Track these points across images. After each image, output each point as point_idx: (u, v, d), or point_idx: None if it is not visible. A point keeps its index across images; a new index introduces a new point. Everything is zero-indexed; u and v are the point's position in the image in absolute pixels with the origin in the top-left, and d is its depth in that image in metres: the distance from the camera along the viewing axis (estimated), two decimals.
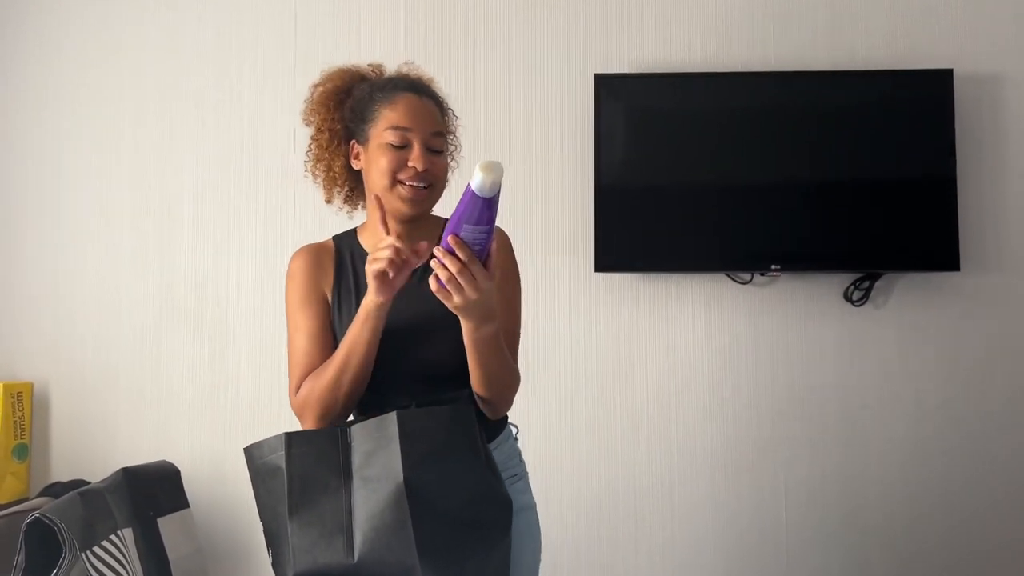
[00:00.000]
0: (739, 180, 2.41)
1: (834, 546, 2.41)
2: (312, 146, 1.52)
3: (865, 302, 2.44)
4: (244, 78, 2.59)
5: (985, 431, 2.41)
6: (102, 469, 2.35)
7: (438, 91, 1.52)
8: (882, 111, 2.40)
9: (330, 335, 1.46)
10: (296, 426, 1.41)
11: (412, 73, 1.53)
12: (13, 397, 2.45)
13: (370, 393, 1.41)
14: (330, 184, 1.52)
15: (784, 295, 2.47)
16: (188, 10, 2.61)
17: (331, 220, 2.69)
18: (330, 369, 1.38)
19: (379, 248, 1.30)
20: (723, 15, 2.52)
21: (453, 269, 1.23)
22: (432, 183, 1.43)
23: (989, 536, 2.40)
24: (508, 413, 1.53)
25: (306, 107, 1.52)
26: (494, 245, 1.26)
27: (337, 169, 1.50)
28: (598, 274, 2.46)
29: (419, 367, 1.42)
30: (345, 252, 1.51)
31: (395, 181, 1.41)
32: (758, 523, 2.43)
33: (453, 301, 1.26)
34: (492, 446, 1.46)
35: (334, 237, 1.54)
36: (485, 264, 1.26)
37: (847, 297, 2.44)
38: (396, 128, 1.40)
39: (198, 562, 2.28)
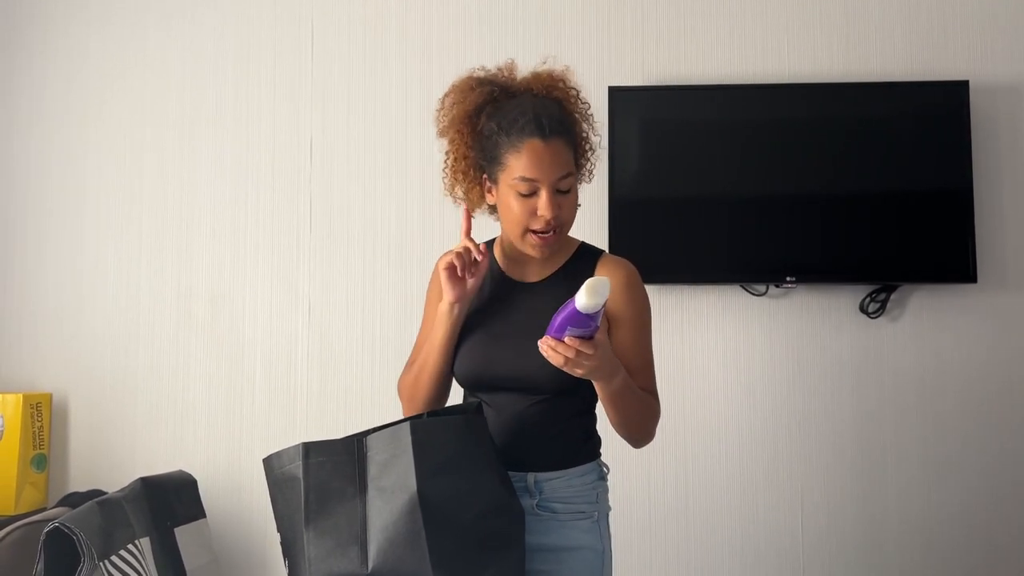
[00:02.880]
0: (753, 192, 2.41)
1: (852, 561, 2.39)
2: (447, 168, 1.54)
3: (881, 314, 2.43)
4: (262, 92, 2.62)
5: (1003, 446, 2.39)
6: (120, 479, 2.36)
7: (566, 108, 1.50)
8: (898, 123, 2.39)
9: None
10: (313, 436, 1.41)
11: (541, 82, 1.50)
12: (32, 408, 2.47)
13: (475, 393, 1.52)
14: (471, 206, 1.55)
15: (799, 307, 2.46)
16: (207, 24, 2.65)
17: (347, 234, 2.71)
18: (415, 365, 1.54)
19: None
20: (737, 27, 2.53)
21: (564, 359, 1.29)
22: (561, 225, 1.47)
23: (1010, 553, 2.37)
24: (600, 450, 1.61)
25: (439, 120, 1.52)
26: (611, 294, 1.30)
27: (475, 198, 1.53)
28: None
29: (514, 374, 1.47)
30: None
31: (526, 231, 1.46)
32: (774, 537, 2.41)
33: (577, 374, 1.33)
34: (556, 476, 1.50)
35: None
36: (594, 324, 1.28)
37: (863, 309, 2.43)
38: (524, 179, 1.43)
39: (214, 572, 2.28)
